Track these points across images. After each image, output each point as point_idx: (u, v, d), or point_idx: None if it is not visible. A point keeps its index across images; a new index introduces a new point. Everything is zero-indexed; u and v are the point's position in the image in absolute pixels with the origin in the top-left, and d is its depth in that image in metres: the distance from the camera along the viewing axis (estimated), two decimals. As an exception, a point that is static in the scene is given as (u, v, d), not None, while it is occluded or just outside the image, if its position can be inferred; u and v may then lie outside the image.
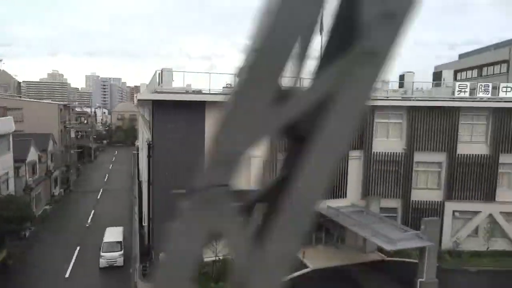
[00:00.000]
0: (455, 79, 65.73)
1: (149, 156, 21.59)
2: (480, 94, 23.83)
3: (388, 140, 24.56)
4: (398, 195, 24.67)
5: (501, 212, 24.39)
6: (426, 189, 24.85)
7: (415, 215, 24.89)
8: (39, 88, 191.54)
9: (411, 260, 22.73)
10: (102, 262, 21.91)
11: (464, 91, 23.86)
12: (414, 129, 24.18)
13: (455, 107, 23.91)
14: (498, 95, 24.13)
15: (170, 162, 19.90)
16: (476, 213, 24.49)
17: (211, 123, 20.71)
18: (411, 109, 24.06)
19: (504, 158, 24.30)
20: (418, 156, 24.53)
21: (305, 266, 21.44)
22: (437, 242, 19.25)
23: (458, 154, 24.25)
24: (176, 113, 20.41)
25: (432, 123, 24.24)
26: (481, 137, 24.46)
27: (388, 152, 24.41)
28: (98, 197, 39.12)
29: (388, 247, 17.68)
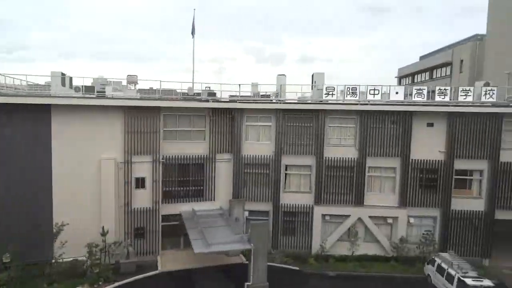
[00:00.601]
0: (412, 81, 65.48)
1: None
2: (348, 97, 23.66)
3: (259, 143, 24.52)
4: (268, 199, 24.60)
5: (370, 216, 24.13)
6: (298, 192, 24.72)
7: (287, 219, 24.90)
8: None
9: (275, 265, 22.84)
10: None
11: (332, 94, 23.70)
12: (283, 132, 24.11)
13: (323, 110, 23.80)
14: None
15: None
16: (346, 217, 24.27)
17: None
18: (279, 112, 24.00)
19: (371, 162, 24.09)
20: (288, 159, 24.45)
21: (155, 269, 21.60)
22: (266, 245, 19.12)
23: (326, 157, 24.10)
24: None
25: (300, 125, 24.16)
26: (350, 140, 24.27)
27: (258, 155, 24.37)
28: None
29: (197, 249, 17.66)
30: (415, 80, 62.75)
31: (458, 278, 18.19)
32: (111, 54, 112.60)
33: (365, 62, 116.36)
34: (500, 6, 33.55)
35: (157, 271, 21.26)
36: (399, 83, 68.74)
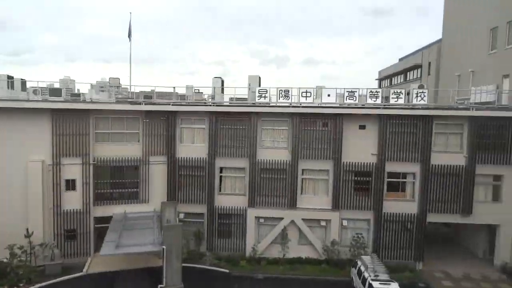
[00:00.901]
0: (390, 83, 65.32)
1: None
2: (281, 100, 23.68)
3: (194, 145, 24.60)
4: (203, 201, 24.65)
5: (303, 219, 24.10)
6: (232, 195, 24.74)
7: (222, 221, 24.93)
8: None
9: (204, 267, 22.93)
10: None
11: (265, 96, 23.73)
12: (216, 134, 24.18)
13: (256, 113, 23.85)
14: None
15: None
16: (280, 219, 24.25)
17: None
18: (213, 115, 24.08)
19: (304, 164, 24.07)
20: (222, 162, 24.50)
21: (80, 271, 21.69)
22: (179, 247, 19.14)
23: (259, 160, 24.13)
24: None
25: (234, 128, 24.22)
26: (283, 142, 24.27)
27: (193, 158, 24.45)
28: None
29: (103, 252, 17.74)
30: (393, 82, 62.74)
31: (369, 281, 18.13)
32: (115, 56, 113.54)
33: (367, 63, 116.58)
34: (452, 11, 33.49)
35: (81, 273, 21.35)
36: (379, 85, 68.76)
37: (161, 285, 18.75)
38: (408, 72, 54.77)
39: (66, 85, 49.49)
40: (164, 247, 18.40)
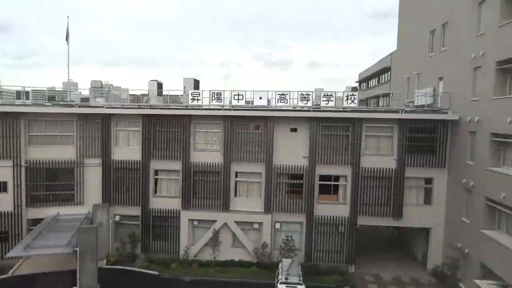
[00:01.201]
0: (367, 86, 65.36)
1: None
2: (214, 102, 23.76)
3: (129, 148, 24.70)
4: (138, 203, 24.73)
5: (236, 222, 24.11)
6: (167, 197, 24.81)
7: (158, 223, 24.98)
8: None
9: (133, 269, 23.00)
10: None
11: (198, 99, 23.80)
12: (150, 137, 24.28)
13: (189, 115, 23.92)
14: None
15: None
16: (213, 222, 24.27)
17: None
18: (146, 117, 24.19)
19: (237, 167, 24.11)
20: (157, 164, 24.60)
21: (5, 273, 21.76)
22: (95, 249, 19.17)
23: (193, 162, 24.20)
24: None
25: (168, 131, 24.30)
26: (217, 145, 24.34)
27: (128, 160, 24.56)
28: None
29: (9, 254, 17.87)
30: (369, 85, 62.69)
31: (277, 284, 18.16)
32: (120, 59, 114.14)
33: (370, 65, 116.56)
34: (404, 13, 33.47)
35: (6, 275, 21.42)
36: (359, 88, 68.73)
37: (75, 287, 18.81)
38: (381, 75, 54.76)
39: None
40: (77, 249, 18.47)
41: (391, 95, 36.47)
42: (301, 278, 18.57)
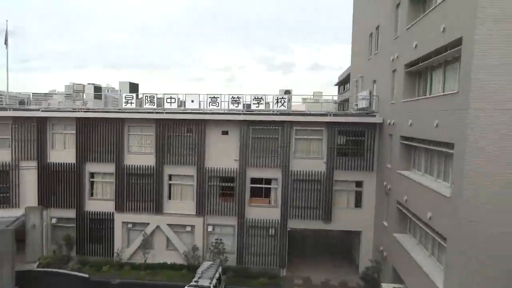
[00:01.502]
0: (344, 89, 65.15)
1: None
2: (147, 105, 23.91)
3: (65, 150, 24.83)
4: (74, 205, 24.83)
5: (169, 224, 24.16)
6: (102, 200, 24.90)
7: (93, 226, 25.05)
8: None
9: (64, 272, 23.13)
10: None
11: (131, 102, 23.93)
12: (85, 140, 24.40)
13: (122, 118, 24.06)
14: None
15: None
16: (147, 225, 24.33)
17: None
18: (81, 120, 24.33)
19: (171, 170, 24.18)
20: (92, 167, 24.72)
21: None
22: (11, 252, 19.34)
23: (127, 165, 24.28)
24: None
25: (103, 133, 24.41)
26: (150, 148, 24.42)
27: (64, 163, 24.68)
28: None
29: None
30: (345, 88, 62.69)
31: (187, 286, 18.17)
32: (123, 62, 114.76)
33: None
34: (355, 15, 33.49)
35: None
36: (338, 90, 68.74)
37: (-8, 290, 18.93)
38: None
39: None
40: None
41: (349, 98, 36.62)
42: (212, 281, 18.54)
